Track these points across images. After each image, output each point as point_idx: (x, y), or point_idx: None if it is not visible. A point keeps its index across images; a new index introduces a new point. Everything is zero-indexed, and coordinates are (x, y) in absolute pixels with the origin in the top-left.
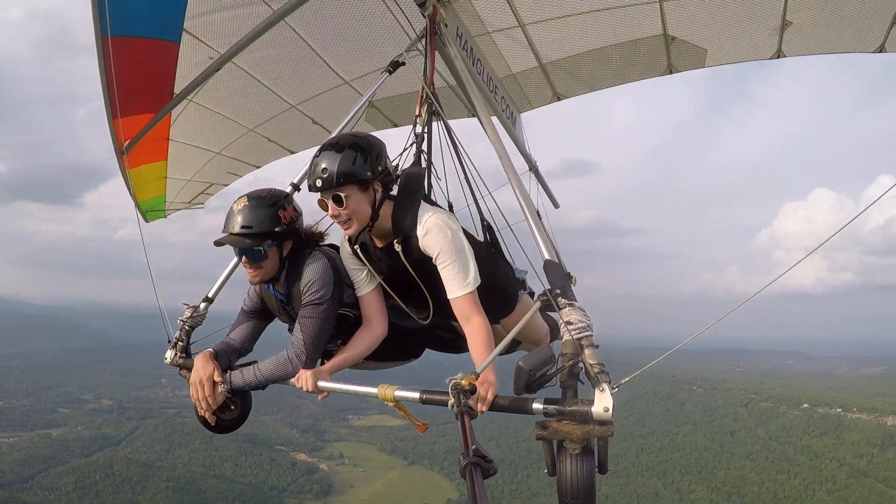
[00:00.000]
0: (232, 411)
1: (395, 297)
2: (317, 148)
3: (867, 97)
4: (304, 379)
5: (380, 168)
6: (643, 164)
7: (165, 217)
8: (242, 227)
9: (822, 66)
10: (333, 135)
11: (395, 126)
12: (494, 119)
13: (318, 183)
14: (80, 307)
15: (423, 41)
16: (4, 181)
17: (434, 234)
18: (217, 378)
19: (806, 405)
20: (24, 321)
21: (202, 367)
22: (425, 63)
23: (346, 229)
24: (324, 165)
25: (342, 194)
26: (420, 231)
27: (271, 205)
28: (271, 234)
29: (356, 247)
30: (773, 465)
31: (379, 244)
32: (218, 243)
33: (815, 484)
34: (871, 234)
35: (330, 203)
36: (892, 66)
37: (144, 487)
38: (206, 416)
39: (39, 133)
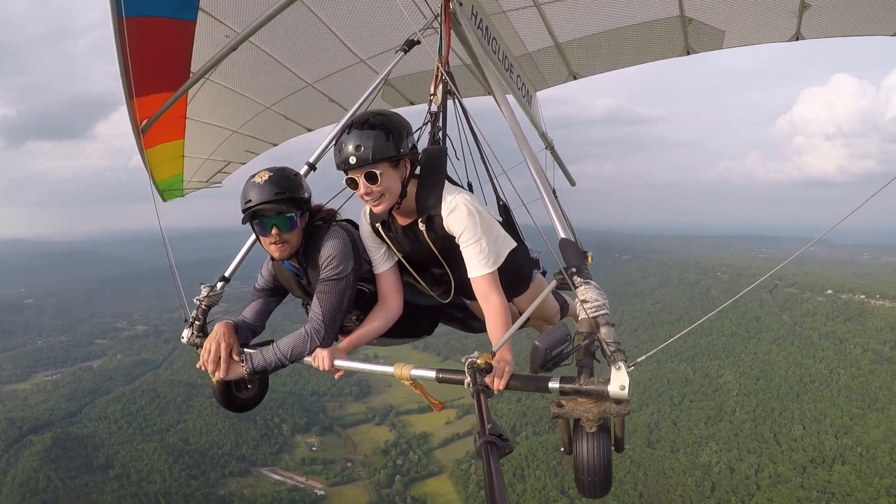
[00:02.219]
0: (249, 389)
1: (415, 275)
2: (333, 125)
3: None
4: (320, 358)
5: (409, 145)
6: None
7: (183, 196)
8: (277, 193)
9: None
10: (358, 114)
11: (412, 104)
12: (510, 97)
13: (353, 160)
14: (104, 238)
15: (439, 19)
16: (14, 124)
17: (458, 213)
18: (235, 356)
19: (830, 291)
20: (52, 259)
21: (223, 333)
22: (440, 42)
23: (375, 206)
24: (357, 143)
25: (377, 171)
26: (444, 210)
27: (294, 175)
28: (301, 200)
29: (378, 225)
30: (798, 350)
31: (402, 222)
32: (253, 215)
33: (840, 369)
34: (893, 122)
35: (362, 180)
36: None
37: (190, 406)
38: (214, 378)
39: (42, 72)
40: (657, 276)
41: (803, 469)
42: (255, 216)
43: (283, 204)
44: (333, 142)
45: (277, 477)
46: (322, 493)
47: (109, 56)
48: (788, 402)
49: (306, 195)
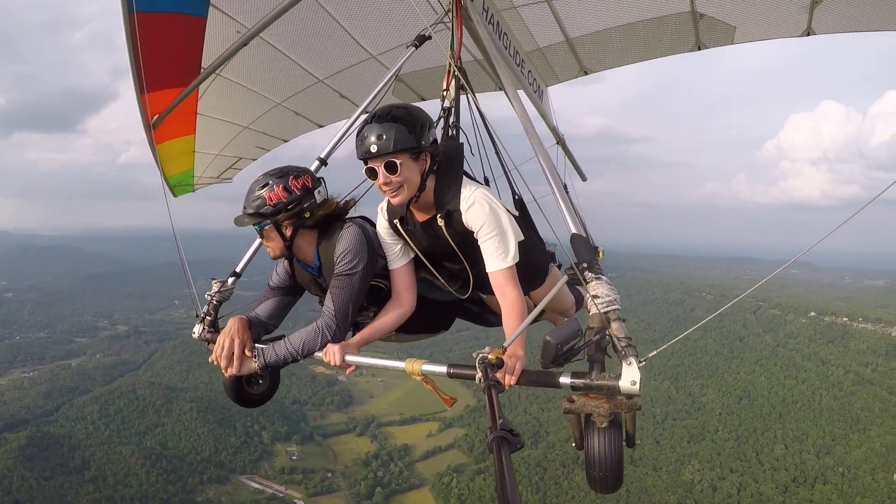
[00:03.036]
0: (260, 385)
1: (433, 271)
2: (344, 122)
3: None
4: (331, 353)
5: (431, 139)
6: (653, 70)
7: (193, 191)
8: (252, 205)
9: None
10: (381, 106)
11: (423, 100)
12: (521, 92)
13: (374, 149)
14: (89, 234)
15: (450, 15)
16: (3, 113)
17: (477, 208)
18: (248, 352)
19: (813, 313)
20: (34, 253)
21: (237, 329)
22: (452, 37)
23: (393, 197)
24: (379, 132)
25: (397, 161)
26: (463, 205)
27: (281, 175)
28: (277, 211)
29: (395, 220)
30: (781, 371)
31: (420, 218)
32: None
33: (822, 390)
34: (877, 149)
35: (381, 170)
36: None
37: (169, 409)
38: (226, 373)
39: (37, 62)
40: (642, 294)
41: (785, 488)
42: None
43: (254, 217)
44: (345, 137)
45: (256, 485)
46: (301, 502)
47: (106, 49)
48: (771, 422)
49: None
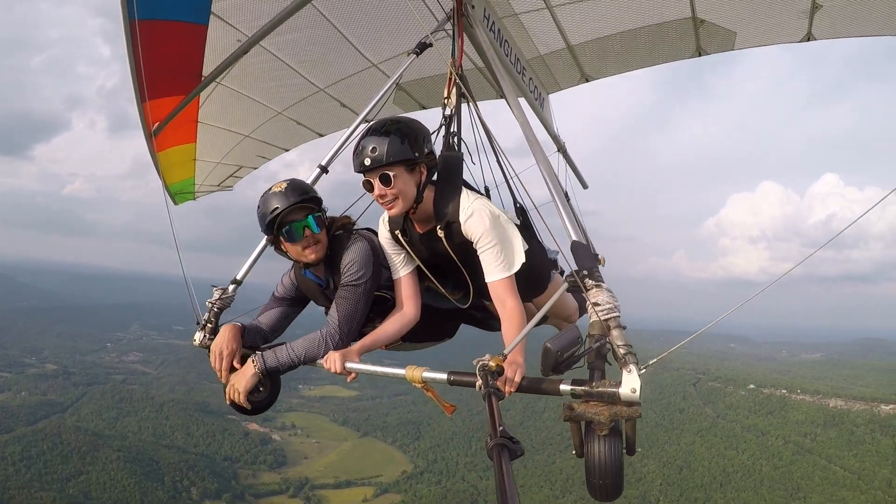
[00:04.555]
0: (261, 392)
1: (434, 280)
2: (345, 130)
3: (815, 97)
4: (332, 360)
5: (426, 151)
6: (603, 149)
7: (194, 199)
8: (301, 194)
9: (776, 63)
10: (377, 120)
11: (424, 108)
12: (522, 100)
13: (368, 162)
14: (24, 265)
15: (451, 23)
16: None
17: (476, 218)
18: (236, 364)
19: (752, 386)
20: None
21: (226, 339)
22: (453, 45)
23: (390, 209)
24: (373, 145)
25: (391, 173)
26: (462, 216)
27: (307, 182)
28: (321, 201)
29: (396, 231)
30: (721, 442)
31: (420, 229)
32: (284, 220)
33: (762, 460)
34: (814, 228)
35: (377, 182)
36: (841, 67)
37: (95, 457)
38: (231, 393)
39: None
40: (582, 369)
41: None
42: (282, 225)
43: (310, 203)
44: (346, 146)
45: None
46: None
47: (64, 78)
48: (712, 492)
49: (320, 198)
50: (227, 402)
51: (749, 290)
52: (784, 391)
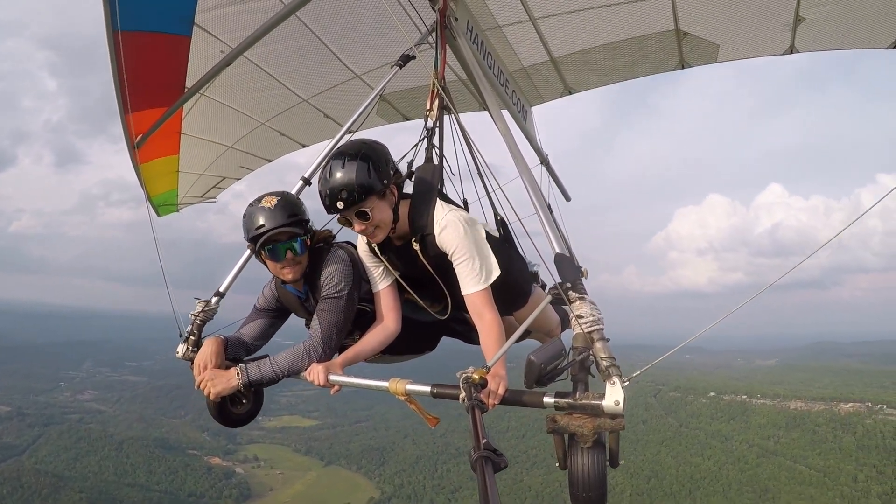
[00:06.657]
0: (244, 405)
1: (412, 293)
2: (329, 141)
3: (760, 110)
4: (315, 372)
5: (392, 172)
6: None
7: (178, 211)
8: (290, 216)
9: (721, 80)
10: (335, 150)
11: (407, 119)
12: (505, 112)
13: (340, 205)
14: None
15: (434, 35)
16: None
17: (450, 231)
18: (219, 368)
19: (712, 393)
20: None
21: (209, 353)
22: (436, 57)
23: (373, 238)
24: (339, 184)
25: (366, 209)
26: (436, 229)
27: (298, 198)
28: (307, 222)
29: (374, 245)
30: (686, 449)
31: (397, 243)
32: (269, 239)
33: (729, 464)
34: (760, 237)
35: (355, 220)
36: (784, 81)
37: (56, 499)
38: (203, 386)
39: None
40: None
41: None
42: (266, 243)
43: (296, 227)
44: (329, 156)
45: None
46: None
47: (9, 111)
48: (681, 499)
49: (309, 222)
50: (208, 408)
51: (700, 301)
52: (744, 396)
